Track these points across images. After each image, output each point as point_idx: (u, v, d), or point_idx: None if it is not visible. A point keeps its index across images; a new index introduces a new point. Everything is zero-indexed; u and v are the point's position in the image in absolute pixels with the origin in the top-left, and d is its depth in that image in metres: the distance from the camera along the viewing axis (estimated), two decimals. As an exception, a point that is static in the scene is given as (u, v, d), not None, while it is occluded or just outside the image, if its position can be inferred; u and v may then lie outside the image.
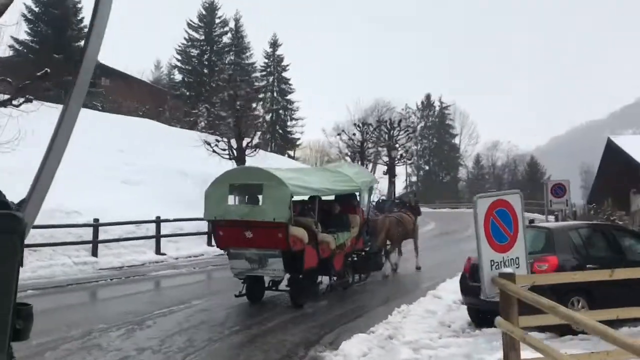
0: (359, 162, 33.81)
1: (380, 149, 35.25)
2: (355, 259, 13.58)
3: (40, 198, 1.00)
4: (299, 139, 69.11)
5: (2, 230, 0.89)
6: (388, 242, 15.20)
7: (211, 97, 33.23)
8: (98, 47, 1.05)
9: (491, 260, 5.27)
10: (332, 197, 13.32)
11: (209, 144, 24.18)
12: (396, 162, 35.17)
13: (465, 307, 10.44)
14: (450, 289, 11.41)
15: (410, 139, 39.03)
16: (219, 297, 12.58)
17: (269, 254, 10.76)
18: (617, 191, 39.57)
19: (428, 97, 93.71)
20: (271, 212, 10.52)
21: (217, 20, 65.26)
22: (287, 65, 70.28)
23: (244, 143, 24.37)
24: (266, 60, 70.19)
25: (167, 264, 18.05)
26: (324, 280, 12.60)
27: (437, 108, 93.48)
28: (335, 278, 12.52)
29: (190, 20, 64.66)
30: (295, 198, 11.21)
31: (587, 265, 8.43)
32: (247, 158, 24.30)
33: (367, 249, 14.13)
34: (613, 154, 36.35)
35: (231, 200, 11.43)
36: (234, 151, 24.45)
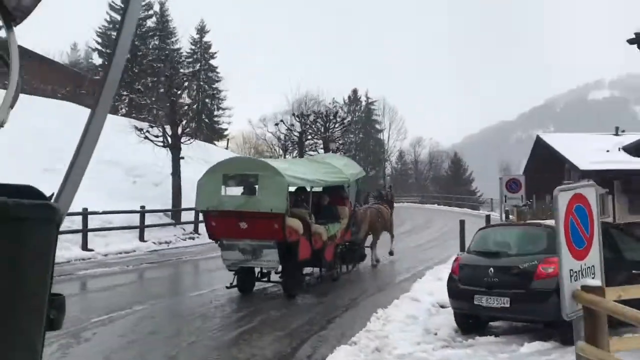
0: (298, 155, 32.79)
1: (317, 141, 34.35)
2: (343, 250, 13.62)
3: (73, 189, 1.01)
4: (226, 129, 66.98)
5: (41, 220, 0.87)
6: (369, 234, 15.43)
7: (134, 83, 30.98)
8: (128, 43, 1.03)
9: (570, 270, 4.28)
10: (319, 189, 13.23)
11: (140, 130, 22.31)
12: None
13: (445, 311, 9.65)
14: (425, 290, 10.59)
15: (346, 132, 38.36)
16: (164, 300, 11.29)
17: (264, 245, 10.63)
18: (544, 187, 40.90)
19: (355, 92, 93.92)
20: (268, 202, 10.40)
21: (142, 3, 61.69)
22: (215, 53, 67.92)
23: (179, 130, 22.67)
24: (193, 47, 67.47)
25: (96, 262, 16.27)
26: (314, 272, 12.59)
27: (364, 103, 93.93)
28: (324, 269, 12.60)
29: (113, 2, 60.93)
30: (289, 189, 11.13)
31: (591, 267, 7.79)
32: (182, 146, 22.67)
33: (354, 240, 14.26)
34: (542, 150, 37.31)
35: (225, 190, 11.22)
36: (169, 138, 22.72)
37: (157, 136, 22.69)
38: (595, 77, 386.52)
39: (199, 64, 65.89)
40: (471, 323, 8.57)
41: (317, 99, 62.83)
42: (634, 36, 12.18)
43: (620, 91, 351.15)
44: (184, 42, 65.67)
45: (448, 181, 70.50)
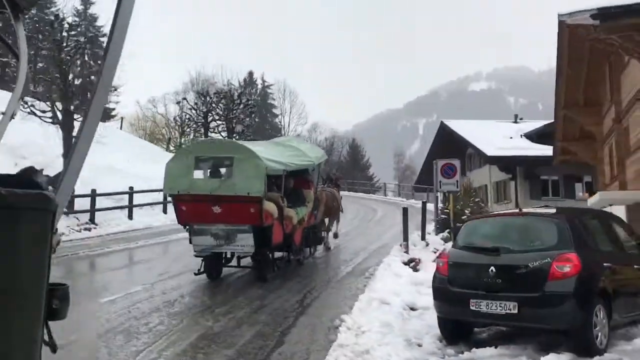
0: (203, 135, 30.42)
1: (219, 122, 32.08)
2: (307, 234, 13.47)
3: (72, 180, 1.05)
4: (113, 109, 62.07)
5: (36, 209, 0.88)
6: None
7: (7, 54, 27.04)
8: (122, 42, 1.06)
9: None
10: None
11: (25, 103, 19.09)
12: (236, 137, 32.28)
13: (416, 314, 8.36)
14: (389, 289, 9.22)
15: (250, 114, 36.43)
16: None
17: (239, 230, 10.42)
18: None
19: (250, 74, 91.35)
20: (245, 186, 10.13)
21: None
22: (102, 27, 62.52)
23: (72, 106, 19.67)
24: (77, 19, 61.63)
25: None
26: (284, 256, 12.47)
27: (260, 86, 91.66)
28: (292, 254, 12.54)
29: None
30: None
31: (604, 264, 6.78)
32: (76, 124, 19.68)
33: (314, 223, 14.10)
34: (445, 136, 37.60)
35: (197, 174, 10.84)
36: (59, 114, 19.67)
37: (44, 112, 19.60)
38: (474, 70, 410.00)
39: (83, 37, 60.31)
40: (456, 330, 7.33)
41: (211, 80, 59.89)
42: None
43: (497, 83, 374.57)
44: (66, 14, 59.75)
45: (348, 166, 70.46)
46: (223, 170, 11.13)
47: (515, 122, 38.28)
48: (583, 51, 22.18)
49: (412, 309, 8.59)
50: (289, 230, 11.67)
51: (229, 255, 11.54)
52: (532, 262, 6.45)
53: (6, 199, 0.82)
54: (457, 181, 15.65)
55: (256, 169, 10.23)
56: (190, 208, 10.57)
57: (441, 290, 7.16)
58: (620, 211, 18.85)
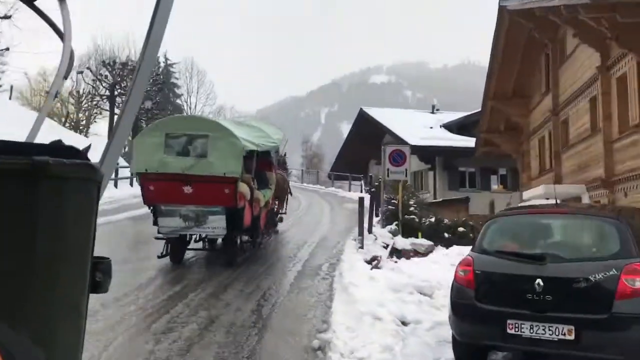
0: (109, 109, 27.12)
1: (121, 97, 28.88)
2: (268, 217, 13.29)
3: (116, 152, 1.05)
4: (-2, 79, 55.58)
5: (81, 180, 0.88)
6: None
7: None
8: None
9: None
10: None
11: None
12: (144, 115, 29.27)
13: (411, 331, 6.83)
14: (370, 298, 7.55)
15: (159, 91, 33.28)
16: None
17: (210, 211, 10.03)
18: (360, 160, 40.70)
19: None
20: (221, 166, 9.80)
21: None
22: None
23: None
24: None
25: None
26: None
27: (162, 64, 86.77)
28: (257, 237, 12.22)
29: None
30: None
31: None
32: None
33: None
34: (364, 123, 36.66)
35: (168, 151, 10.18)
36: None
37: None
38: (375, 63, 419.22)
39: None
40: (474, 355, 5.86)
41: (113, 55, 55.33)
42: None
43: (396, 77, 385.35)
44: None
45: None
46: (195, 149, 10.26)
47: (433, 112, 38.08)
48: (519, 41, 21.80)
49: (403, 322, 7.04)
50: (256, 213, 11.36)
51: (212, 238, 11.30)
52: (592, 274, 5.06)
53: (53, 168, 0.83)
54: (406, 169, 14.36)
55: (233, 148, 9.88)
56: (159, 188, 10.05)
57: (465, 308, 5.62)
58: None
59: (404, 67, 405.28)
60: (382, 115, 35.76)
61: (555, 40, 19.41)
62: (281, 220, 15.55)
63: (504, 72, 23.10)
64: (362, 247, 11.70)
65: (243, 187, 10.28)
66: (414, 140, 30.78)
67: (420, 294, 8.39)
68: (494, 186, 33.61)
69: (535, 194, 17.66)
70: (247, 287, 9.30)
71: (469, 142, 31.29)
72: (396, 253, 12.83)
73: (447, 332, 6.95)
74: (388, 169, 14.31)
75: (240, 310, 7.86)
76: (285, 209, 15.77)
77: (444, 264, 9.98)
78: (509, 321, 5.29)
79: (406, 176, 14.44)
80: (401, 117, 35.34)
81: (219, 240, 11.43)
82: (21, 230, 0.82)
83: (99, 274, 0.94)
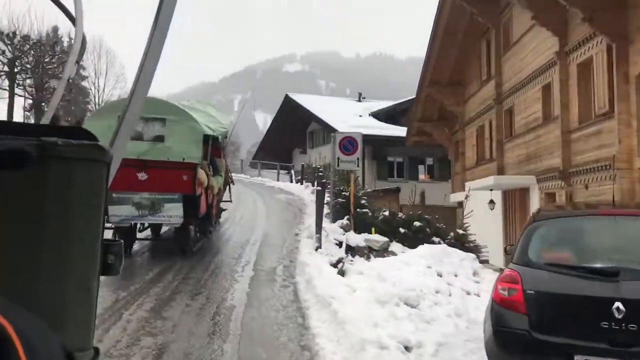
0: (8, 88, 23.78)
1: (27, 76, 25.40)
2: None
3: (127, 132, 1.07)
4: None
5: (90, 161, 0.89)
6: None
7: None
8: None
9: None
10: None
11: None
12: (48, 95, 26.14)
13: (418, 356, 5.54)
14: (360, 316, 6.12)
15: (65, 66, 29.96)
16: None
17: (167, 199, 9.51)
18: (290, 145, 39.20)
19: (55, 30, 79.91)
20: (180, 151, 9.35)
21: None
22: None
23: None
24: None
25: None
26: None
27: (66, 44, 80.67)
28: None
29: None
30: None
31: None
32: None
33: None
34: (290, 110, 35.17)
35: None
36: None
37: None
38: (289, 51, 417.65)
39: None
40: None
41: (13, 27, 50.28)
42: None
43: (310, 66, 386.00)
44: None
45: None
46: (151, 133, 9.67)
47: (359, 100, 37.22)
48: (460, 26, 21.13)
49: (407, 348, 5.70)
50: (210, 201, 10.97)
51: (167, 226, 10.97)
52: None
53: (62, 149, 0.84)
54: (357, 158, 13.07)
55: (193, 132, 9.50)
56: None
57: (515, 339, 4.32)
58: (495, 196, 18.07)
59: (318, 56, 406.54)
60: (309, 102, 34.42)
61: (499, 26, 18.81)
62: (224, 209, 14.78)
63: (443, 59, 22.43)
64: (320, 247, 10.27)
65: (201, 174, 9.81)
66: (343, 128, 29.66)
67: (407, 305, 7.12)
68: (422, 176, 33.30)
69: (485, 185, 16.99)
70: (195, 300, 7.62)
71: (398, 131, 30.66)
72: (350, 251, 11.54)
73: (452, 355, 5.74)
74: (338, 158, 12.96)
75: (193, 335, 6.21)
76: (230, 197, 14.84)
77: (419, 266, 8.76)
78: (577, 357, 4.06)
79: (358, 166, 13.16)
80: (329, 105, 34.15)
81: (164, 229, 11.17)
82: (30, 211, 0.82)
83: (110, 256, 0.95)
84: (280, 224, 14.44)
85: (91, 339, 0.91)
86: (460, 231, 12.70)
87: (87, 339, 0.90)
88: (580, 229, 4.81)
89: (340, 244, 11.90)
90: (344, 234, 12.48)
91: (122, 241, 0.99)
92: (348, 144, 13.06)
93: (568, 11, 13.41)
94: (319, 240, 10.41)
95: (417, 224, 12.56)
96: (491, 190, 17.90)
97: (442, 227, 12.91)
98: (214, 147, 11.60)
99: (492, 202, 17.91)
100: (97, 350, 0.91)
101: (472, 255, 10.10)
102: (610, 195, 12.13)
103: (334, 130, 30.95)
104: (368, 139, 30.59)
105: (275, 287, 8.35)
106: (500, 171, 18.32)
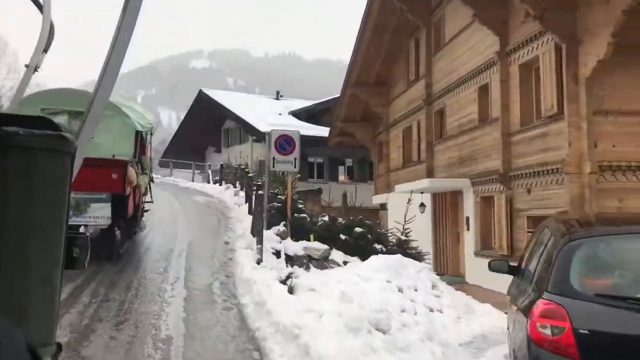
0: None
1: None
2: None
3: (93, 123, 1.06)
4: None
5: (53, 151, 0.88)
6: None
7: None
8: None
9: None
10: None
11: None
12: None
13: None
14: (330, 349, 5.03)
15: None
16: None
17: (93, 198, 8.94)
18: (196, 148, 37.31)
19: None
20: (109, 147, 8.84)
21: None
22: None
23: None
24: None
25: None
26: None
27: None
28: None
29: None
30: None
31: None
32: None
33: None
34: (204, 107, 33.41)
35: None
36: None
37: None
38: (196, 48, 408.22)
39: None
40: None
41: None
42: None
43: (217, 63, 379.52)
44: None
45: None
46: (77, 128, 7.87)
47: (277, 98, 36.10)
48: (389, 24, 20.55)
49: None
50: (137, 201, 10.45)
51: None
52: None
53: (23, 139, 0.83)
54: (295, 159, 11.95)
55: (124, 128, 9.26)
56: None
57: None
58: (425, 199, 17.61)
59: (226, 53, 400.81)
60: (225, 98, 32.85)
61: (429, 25, 18.39)
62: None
63: (370, 58, 21.81)
64: (262, 260, 9.07)
65: (131, 172, 9.37)
66: (264, 127, 28.45)
67: (378, 330, 6.17)
68: (341, 177, 32.73)
69: (419, 187, 16.44)
70: (120, 331, 6.21)
71: (319, 131, 29.86)
72: (289, 261, 10.45)
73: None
74: (274, 158, 11.80)
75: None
76: (151, 196, 13.66)
77: (379, 281, 7.83)
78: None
79: (295, 167, 12.05)
80: (246, 102, 32.75)
81: (81, 229, 9.87)
82: None
83: (75, 249, 0.94)
84: (205, 231, 13.06)
85: (54, 334, 0.88)
86: (403, 237, 11.95)
87: (50, 334, 0.87)
88: (631, 250, 4.01)
89: (277, 253, 10.78)
90: (280, 242, 11.37)
91: (88, 234, 0.97)
92: (285, 142, 11.93)
93: (509, 10, 13.08)
94: (261, 251, 9.21)
95: (358, 230, 11.68)
96: (422, 193, 17.43)
97: (384, 232, 12.13)
98: (140, 144, 10.84)
99: (422, 205, 17.42)
100: (59, 345, 0.88)
101: (427, 266, 9.32)
102: (557, 200, 11.92)
103: (252, 128, 29.71)
104: (288, 139, 29.70)
105: (216, 311, 7.10)
106: (430, 173, 17.91)
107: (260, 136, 29.39)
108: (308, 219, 11.90)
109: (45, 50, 1.11)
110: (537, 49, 11.66)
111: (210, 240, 11.93)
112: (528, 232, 11.68)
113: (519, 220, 12.64)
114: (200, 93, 34.01)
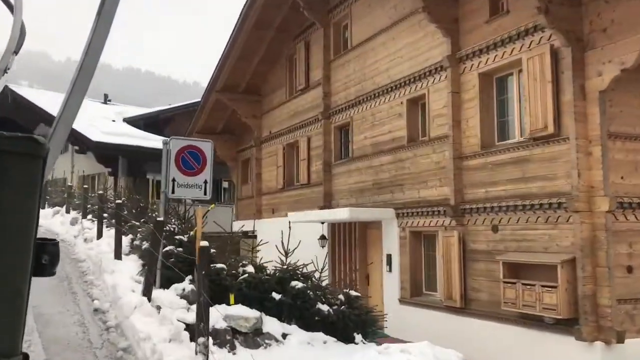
0: None
1: None
2: None
3: (65, 128, 1.03)
4: None
5: (23, 155, 0.85)
6: None
7: None
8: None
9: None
10: None
11: None
12: None
13: None
14: None
15: None
16: None
17: None
18: None
19: None
20: None
21: None
22: None
23: None
24: None
25: None
26: None
27: None
28: None
29: None
30: None
31: None
32: None
33: None
34: (10, 108, 26.72)
35: None
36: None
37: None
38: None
39: None
40: None
41: None
42: None
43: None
44: None
45: None
46: None
47: (105, 102, 30.53)
48: (273, 21, 17.26)
49: None
50: None
51: None
52: None
53: None
54: (205, 182, 8.03)
55: None
56: None
57: None
58: (325, 230, 14.59)
59: (23, 55, 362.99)
60: (38, 98, 26.55)
61: (328, 24, 15.53)
62: None
63: (243, 60, 18.27)
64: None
65: None
66: (97, 136, 23.18)
67: None
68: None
69: (333, 217, 13.27)
70: None
71: (160, 142, 25.35)
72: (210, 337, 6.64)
73: None
74: (174, 180, 7.76)
75: None
76: None
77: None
78: None
79: (206, 193, 8.11)
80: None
81: None
82: None
83: (45, 256, 0.91)
84: (52, 289, 8.49)
85: (20, 345, 0.84)
86: (353, 293, 8.71)
87: (16, 345, 0.83)
88: None
89: (187, 326, 6.94)
90: (188, 309, 7.47)
91: (58, 241, 0.93)
92: (191, 158, 8.00)
93: (465, 8, 10.74)
94: (206, 349, 5.29)
95: (295, 284, 8.19)
96: (322, 223, 14.38)
97: (329, 287, 8.84)
98: None
99: (324, 237, 14.35)
100: (26, 356, 0.85)
101: (453, 353, 6.20)
102: (541, 243, 9.67)
103: (81, 136, 24.04)
104: (124, 150, 24.61)
105: None
106: (328, 199, 14.95)
107: (88, 146, 23.91)
108: (225, 271, 8.10)
109: (16, 52, 1.01)
110: (519, 51, 9.34)
111: (68, 305, 7.51)
112: (505, 282, 9.22)
113: (477, 265, 10.19)
114: (6, 90, 27.14)
